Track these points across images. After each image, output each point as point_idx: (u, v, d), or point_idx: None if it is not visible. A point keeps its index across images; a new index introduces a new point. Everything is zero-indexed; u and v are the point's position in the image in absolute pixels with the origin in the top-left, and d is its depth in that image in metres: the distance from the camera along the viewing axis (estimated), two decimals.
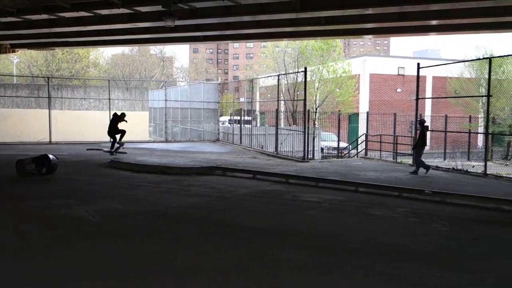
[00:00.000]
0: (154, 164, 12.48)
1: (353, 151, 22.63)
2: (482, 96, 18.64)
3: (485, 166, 12.30)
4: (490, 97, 12.62)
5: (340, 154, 22.31)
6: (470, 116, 23.77)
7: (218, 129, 25.06)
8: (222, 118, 29.32)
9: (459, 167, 13.41)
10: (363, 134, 21.96)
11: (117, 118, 15.89)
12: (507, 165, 18.94)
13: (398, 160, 16.86)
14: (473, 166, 13.59)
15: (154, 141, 24.41)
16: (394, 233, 6.39)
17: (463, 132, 22.67)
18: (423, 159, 12.84)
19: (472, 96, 22.15)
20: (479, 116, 23.93)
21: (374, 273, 4.67)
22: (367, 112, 22.99)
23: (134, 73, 51.26)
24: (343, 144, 24.18)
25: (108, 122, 16.31)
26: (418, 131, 13.37)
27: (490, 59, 13.01)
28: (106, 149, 16.50)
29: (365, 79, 30.94)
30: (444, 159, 20.50)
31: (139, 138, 22.71)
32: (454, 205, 8.28)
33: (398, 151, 18.69)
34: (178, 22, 12.07)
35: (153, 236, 5.93)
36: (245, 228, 6.47)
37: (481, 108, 22.75)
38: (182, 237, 5.91)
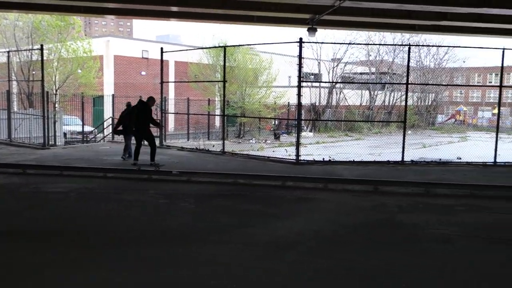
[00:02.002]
0: None
1: (100, 135, 21.87)
2: (219, 81, 20.54)
3: (223, 145, 13.64)
4: (225, 82, 14.00)
5: (85, 139, 21.25)
6: (209, 99, 25.89)
7: None
8: None
9: (202, 147, 14.55)
10: (109, 118, 21.39)
11: (145, 108, 10.61)
12: (240, 142, 21.65)
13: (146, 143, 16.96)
14: (213, 146, 14.92)
15: None
16: (150, 216, 6.45)
17: (204, 114, 24.69)
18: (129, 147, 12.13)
19: (211, 81, 24.18)
20: (216, 99, 26.34)
21: (148, 260, 4.59)
22: (113, 95, 22.41)
23: None
24: (88, 128, 23.05)
25: None
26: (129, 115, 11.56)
27: (224, 48, 14.39)
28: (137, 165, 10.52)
29: (109, 61, 30.00)
30: (188, 140, 21.88)
31: None
32: (199, 183, 8.92)
33: None
34: None
35: None
36: None
37: (217, 92, 25.10)
38: None
